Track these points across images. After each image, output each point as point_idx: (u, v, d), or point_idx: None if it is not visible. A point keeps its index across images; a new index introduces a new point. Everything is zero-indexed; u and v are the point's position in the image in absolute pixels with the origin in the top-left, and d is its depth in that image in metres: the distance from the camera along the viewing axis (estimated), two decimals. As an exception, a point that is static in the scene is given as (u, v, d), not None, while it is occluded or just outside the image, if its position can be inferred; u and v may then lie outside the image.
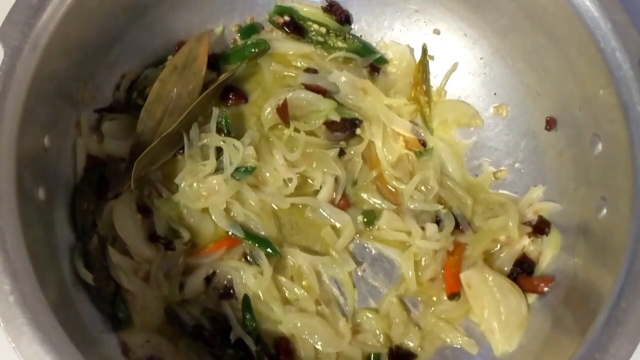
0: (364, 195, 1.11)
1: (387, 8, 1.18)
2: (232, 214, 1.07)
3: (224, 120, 1.07)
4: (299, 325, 1.02)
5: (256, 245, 1.05)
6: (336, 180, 1.09)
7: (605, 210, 0.94)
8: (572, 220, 1.03)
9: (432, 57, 1.18)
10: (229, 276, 1.04)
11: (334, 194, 1.09)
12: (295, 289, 1.05)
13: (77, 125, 1.06)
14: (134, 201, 1.05)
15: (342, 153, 1.11)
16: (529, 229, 1.07)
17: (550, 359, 0.94)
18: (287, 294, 1.05)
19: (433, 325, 1.05)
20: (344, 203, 1.10)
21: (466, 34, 1.15)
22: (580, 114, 1.00)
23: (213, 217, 1.05)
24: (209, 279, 1.04)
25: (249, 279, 1.04)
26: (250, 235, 1.05)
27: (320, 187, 1.09)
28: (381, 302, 1.07)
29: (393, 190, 1.11)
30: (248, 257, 1.06)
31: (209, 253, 1.05)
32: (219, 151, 1.06)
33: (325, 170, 1.09)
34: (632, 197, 0.87)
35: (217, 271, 1.04)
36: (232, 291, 1.04)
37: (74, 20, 0.94)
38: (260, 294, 1.03)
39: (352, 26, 1.19)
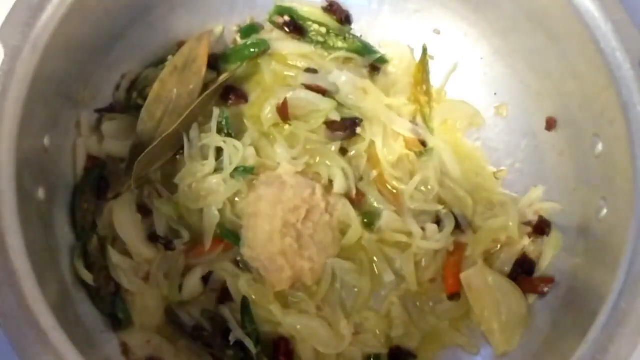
0: (368, 194, 1.11)
1: (387, 8, 1.17)
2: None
3: (224, 120, 1.07)
4: (298, 327, 1.02)
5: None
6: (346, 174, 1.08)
7: (605, 210, 0.94)
8: (572, 220, 1.03)
9: (432, 57, 1.17)
10: (226, 278, 1.04)
11: (351, 187, 1.08)
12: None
13: (77, 125, 1.06)
14: (134, 201, 1.05)
15: (344, 152, 1.11)
16: (529, 229, 1.07)
17: (550, 359, 0.95)
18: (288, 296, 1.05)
19: (433, 326, 1.05)
20: (360, 196, 1.09)
21: (466, 34, 1.15)
22: (580, 114, 1.00)
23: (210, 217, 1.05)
24: (206, 280, 1.04)
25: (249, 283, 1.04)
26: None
27: (330, 180, 1.08)
28: (381, 303, 1.07)
29: (393, 190, 1.11)
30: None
31: (208, 253, 1.04)
32: (219, 151, 1.06)
33: (328, 163, 1.08)
34: (632, 197, 0.87)
35: (213, 271, 1.04)
36: (229, 294, 1.04)
37: (74, 20, 0.93)
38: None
39: (352, 26, 1.19)
